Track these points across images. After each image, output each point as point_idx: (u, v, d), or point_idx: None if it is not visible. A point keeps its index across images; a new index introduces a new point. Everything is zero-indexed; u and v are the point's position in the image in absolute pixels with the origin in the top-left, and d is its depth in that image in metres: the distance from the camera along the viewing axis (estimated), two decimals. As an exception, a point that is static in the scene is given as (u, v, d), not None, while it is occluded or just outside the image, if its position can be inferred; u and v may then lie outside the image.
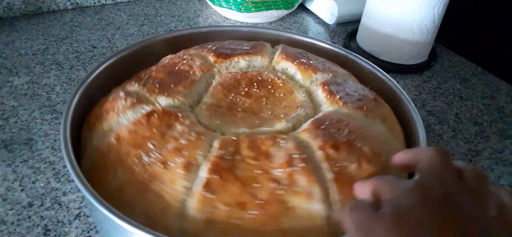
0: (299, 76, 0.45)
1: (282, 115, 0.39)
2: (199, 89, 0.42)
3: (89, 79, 0.43)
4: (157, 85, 0.41)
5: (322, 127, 0.36)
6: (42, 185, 0.43)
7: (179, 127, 0.36)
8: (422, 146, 0.39)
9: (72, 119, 0.38)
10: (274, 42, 0.53)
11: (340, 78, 0.45)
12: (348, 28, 0.79)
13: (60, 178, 0.44)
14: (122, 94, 0.40)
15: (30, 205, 0.41)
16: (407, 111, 0.44)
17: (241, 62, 0.46)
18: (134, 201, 0.33)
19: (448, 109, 0.60)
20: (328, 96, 0.41)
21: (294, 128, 0.38)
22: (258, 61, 0.47)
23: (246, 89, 0.42)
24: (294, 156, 0.33)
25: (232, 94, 0.42)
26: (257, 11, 0.77)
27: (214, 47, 0.48)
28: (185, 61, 0.45)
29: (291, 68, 0.46)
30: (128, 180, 0.34)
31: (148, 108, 0.38)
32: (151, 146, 0.34)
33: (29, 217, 0.40)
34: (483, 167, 0.51)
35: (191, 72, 0.43)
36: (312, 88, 0.43)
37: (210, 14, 0.81)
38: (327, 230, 0.32)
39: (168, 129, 0.36)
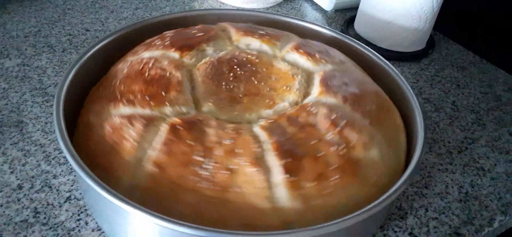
0: (265, 47, 0.46)
1: (284, 87, 0.40)
2: (187, 87, 0.39)
3: (82, 60, 0.42)
4: (147, 98, 0.37)
5: (330, 84, 0.40)
6: (32, 167, 0.42)
7: (211, 131, 0.34)
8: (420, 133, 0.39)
9: (64, 100, 0.38)
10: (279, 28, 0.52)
11: (306, 41, 0.48)
12: (345, 15, 0.78)
13: (51, 161, 0.43)
14: (122, 121, 0.35)
15: (20, 187, 0.40)
16: (406, 98, 0.44)
17: (207, 50, 0.44)
18: (221, 217, 0.31)
19: (445, 97, 0.60)
20: (304, 55, 0.44)
21: (305, 94, 0.40)
22: (220, 44, 0.45)
23: (231, 74, 0.41)
24: (333, 117, 0.36)
25: (223, 83, 0.40)
26: (254, -3, 0.76)
27: (168, 42, 0.43)
28: (151, 65, 0.40)
29: (255, 42, 0.46)
30: (200, 200, 0.31)
31: (165, 125, 0.35)
32: (199, 159, 0.32)
33: (19, 200, 0.39)
34: (479, 154, 0.50)
35: (168, 73, 0.39)
36: (285, 55, 0.45)
37: (206, -1, 0.79)
38: (389, 170, 0.36)
39: (202, 136, 0.33)
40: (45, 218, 0.38)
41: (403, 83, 0.45)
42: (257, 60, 0.43)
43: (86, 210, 0.39)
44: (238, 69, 0.41)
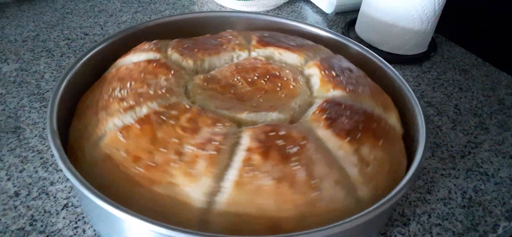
0: (317, 86, 0.42)
1: (256, 109, 0.38)
2: (217, 62, 0.44)
3: (78, 65, 0.42)
4: (185, 45, 0.44)
5: (270, 133, 0.34)
6: (29, 174, 0.42)
7: (162, 80, 0.38)
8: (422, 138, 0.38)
9: (59, 106, 0.37)
10: (271, 29, 0.52)
11: (356, 103, 0.39)
12: (346, 18, 0.78)
13: (48, 167, 0.42)
14: (153, 42, 0.45)
15: (17, 194, 0.40)
16: (408, 102, 0.43)
17: (276, 55, 0.45)
18: (79, 114, 0.39)
19: (447, 101, 0.59)
20: (317, 112, 0.37)
21: (254, 124, 0.36)
22: (293, 59, 0.45)
23: (255, 78, 0.41)
24: (214, 142, 0.33)
25: (239, 77, 0.41)
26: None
27: (264, 34, 0.48)
28: (229, 36, 0.46)
29: (317, 77, 0.42)
30: (88, 100, 0.39)
31: (157, 56, 0.42)
32: (128, 85, 0.38)
33: (15, 207, 0.38)
34: (482, 159, 0.50)
35: (224, 46, 0.45)
36: (314, 100, 0.40)
37: (206, 2, 0.79)
38: (196, 220, 0.31)
39: (153, 77, 0.38)
40: (42, 226, 0.37)
41: (405, 87, 0.44)
42: (291, 86, 0.40)
43: (83, 217, 0.38)
44: (266, 78, 0.41)
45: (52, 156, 0.44)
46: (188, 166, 0.32)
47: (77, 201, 0.39)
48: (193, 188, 0.31)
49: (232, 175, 0.31)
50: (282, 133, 0.34)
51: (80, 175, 0.31)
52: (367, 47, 0.50)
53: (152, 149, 0.33)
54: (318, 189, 0.32)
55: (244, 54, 0.45)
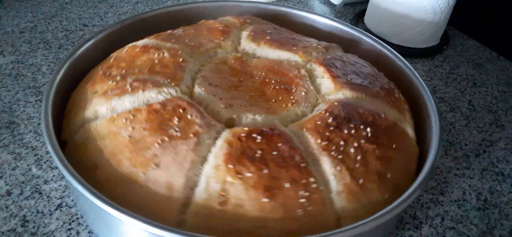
0: (305, 119, 0.36)
1: (228, 100, 0.37)
2: (271, 54, 0.43)
3: (75, 55, 0.40)
4: (267, 30, 0.45)
5: (179, 109, 0.33)
6: (22, 172, 0.40)
7: (206, 39, 0.42)
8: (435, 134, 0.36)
9: (55, 99, 0.36)
10: (277, 18, 0.49)
11: (306, 156, 0.32)
12: (355, 9, 0.75)
13: (42, 165, 0.41)
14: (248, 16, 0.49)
15: (8, 193, 0.38)
16: (420, 97, 0.41)
17: (319, 76, 0.40)
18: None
19: (460, 96, 0.57)
20: (245, 128, 0.33)
21: (200, 103, 0.37)
22: (327, 87, 0.39)
23: (273, 81, 0.39)
24: (140, 85, 0.35)
25: (262, 73, 0.40)
26: (259, -10, 0.73)
27: (344, 59, 0.43)
28: (314, 44, 0.44)
29: (317, 112, 0.37)
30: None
31: (231, 24, 0.46)
32: (188, 30, 0.44)
33: (7, 207, 0.37)
34: (498, 158, 0.47)
35: (293, 47, 0.43)
36: (276, 125, 0.36)
37: (209, -7, 0.76)
38: (77, 124, 0.35)
39: (206, 34, 0.43)
40: (34, 227, 0.35)
41: (417, 81, 0.42)
42: (284, 105, 0.37)
43: (78, 218, 0.36)
44: (280, 87, 0.38)
45: (47, 152, 0.42)
46: (112, 88, 0.35)
47: (72, 200, 0.38)
48: (95, 101, 0.35)
49: (115, 112, 0.34)
50: (188, 116, 0.33)
51: (77, 173, 0.29)
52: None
53: (122, 66, 0.37)
54: (145, 174, 0.31)
55: (299, 61, 0.42)
